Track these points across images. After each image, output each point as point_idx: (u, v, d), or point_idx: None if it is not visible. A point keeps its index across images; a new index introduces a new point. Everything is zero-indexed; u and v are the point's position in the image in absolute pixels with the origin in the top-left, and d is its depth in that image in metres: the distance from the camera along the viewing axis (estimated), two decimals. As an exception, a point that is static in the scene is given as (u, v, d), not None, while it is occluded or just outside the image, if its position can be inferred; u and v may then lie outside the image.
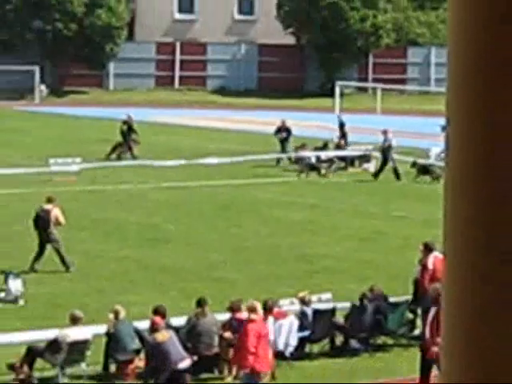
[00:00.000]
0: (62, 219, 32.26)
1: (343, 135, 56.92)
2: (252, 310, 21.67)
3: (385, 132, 52.30)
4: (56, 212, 32.43)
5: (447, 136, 2.96)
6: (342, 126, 57.38)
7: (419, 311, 25.93)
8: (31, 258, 31.72)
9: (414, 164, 51.10)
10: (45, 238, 31.91)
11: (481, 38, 3.02)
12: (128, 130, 57.20)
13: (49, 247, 32.01)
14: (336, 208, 43.77)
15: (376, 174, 50.99)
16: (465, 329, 3.12)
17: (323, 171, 52.32)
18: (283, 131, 57.00)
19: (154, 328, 23.00)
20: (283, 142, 56.78)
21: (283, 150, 56.29)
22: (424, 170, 50.04)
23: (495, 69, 2.98)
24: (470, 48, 3.06)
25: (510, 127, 2.99)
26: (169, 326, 23.23)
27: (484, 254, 3.09)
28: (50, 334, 22.94)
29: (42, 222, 32.11)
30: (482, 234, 3.01)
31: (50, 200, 32.82)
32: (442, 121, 51.10)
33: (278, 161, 55.07)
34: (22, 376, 22.25)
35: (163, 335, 22.73)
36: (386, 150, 51.44)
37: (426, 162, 51.20)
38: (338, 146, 55.57)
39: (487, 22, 3.04)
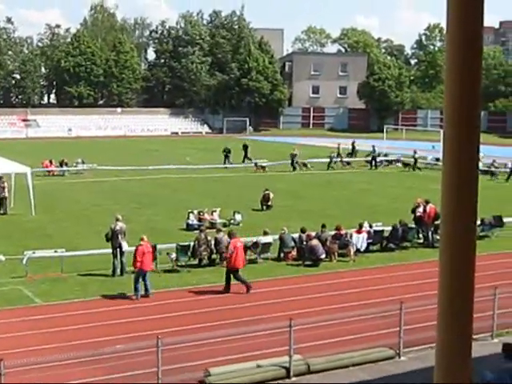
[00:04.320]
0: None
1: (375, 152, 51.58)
2: (141, 239, 18.85)
3: (414, 151, 48.96)
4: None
5: (443, 150, 2.72)
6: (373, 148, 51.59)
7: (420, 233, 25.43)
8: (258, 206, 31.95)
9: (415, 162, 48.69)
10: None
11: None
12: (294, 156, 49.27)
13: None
14: (382, 184, 42.49)
15: (414, 169, 47.84)
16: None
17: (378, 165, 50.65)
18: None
19: (309, 238, 22.71)
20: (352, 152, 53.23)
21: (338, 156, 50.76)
22: (413, 166, 47.57)
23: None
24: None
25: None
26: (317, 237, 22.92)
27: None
28: (252, 239, 22.95)
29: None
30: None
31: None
32: (433, 144, 49.88)
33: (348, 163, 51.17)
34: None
35: (315, 243, 22.43)
36: (415, 157, 48.58)
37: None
38: (385, 155, 53.64)
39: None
